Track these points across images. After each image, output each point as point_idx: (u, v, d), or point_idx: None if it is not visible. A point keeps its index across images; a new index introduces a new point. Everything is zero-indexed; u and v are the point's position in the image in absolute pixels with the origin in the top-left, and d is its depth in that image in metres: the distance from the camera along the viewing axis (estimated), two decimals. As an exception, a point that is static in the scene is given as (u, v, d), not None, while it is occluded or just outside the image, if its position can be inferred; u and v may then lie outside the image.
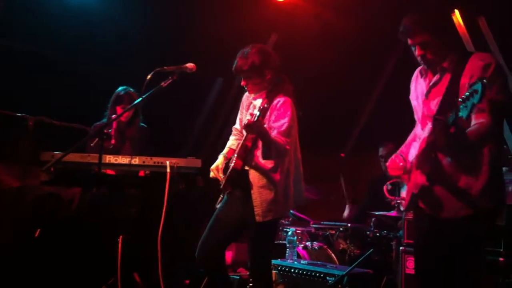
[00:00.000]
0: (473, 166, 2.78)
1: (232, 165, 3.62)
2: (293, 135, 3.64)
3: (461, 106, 2.46)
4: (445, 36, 2.87)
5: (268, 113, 3.59)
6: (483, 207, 2.78)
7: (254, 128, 3.40)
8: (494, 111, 2.70)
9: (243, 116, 3.86)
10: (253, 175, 3.60)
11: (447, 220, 2.83)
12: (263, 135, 3.44)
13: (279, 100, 3.60)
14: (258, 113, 3.39)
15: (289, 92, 3.72)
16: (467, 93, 2.43)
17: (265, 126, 3.53)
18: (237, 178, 3.63)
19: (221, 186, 3.76)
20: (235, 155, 3.64)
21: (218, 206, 3.80)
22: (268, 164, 3.59)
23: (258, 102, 3.70)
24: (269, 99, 3.63)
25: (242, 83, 3.72)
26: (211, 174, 3.81)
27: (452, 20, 3.61)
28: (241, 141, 3.66)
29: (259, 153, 3.60)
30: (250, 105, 3.84)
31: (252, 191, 3.58)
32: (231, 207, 3.72)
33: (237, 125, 4.01)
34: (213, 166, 3.81)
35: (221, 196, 3.82)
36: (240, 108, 3.96)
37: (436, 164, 2.80)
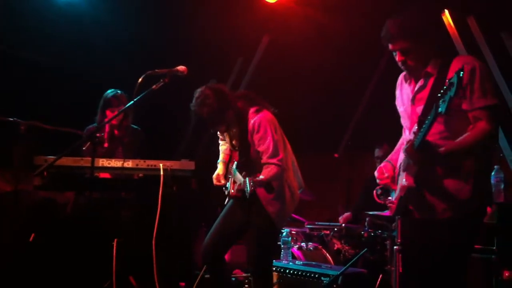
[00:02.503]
0: (461, 168, 2.78)
1: (230, 191, 3.86)
2: (279, 140, 3.71)
3: (440, 102, 2.47)
4: (426, 42, 2.85)
5: (249, 137, 3.70)
6: (470, 208, 2.79)
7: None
8: (491, 117, 2.72)
9: (224, 136, 4.02)
10: (261, 191, 3.67)
11: (435, 221, 2.84)
12: (260, 187, 3.54)
13: (254, 123, 3.68)
14: (248, 190, 3.43)
15: (254, 101, 3.79)
16: (445, 87, 2.45)
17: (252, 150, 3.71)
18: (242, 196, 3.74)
19: (227, 194, 3.97)
20: (232, 182, 3.83)
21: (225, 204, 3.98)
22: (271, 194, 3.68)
23: (235, 131, 3.85)
24: (242, 126, 3.73)
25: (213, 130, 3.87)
26: (214, 182, 4.00)
27: (436, 23, 3.60)
28: (235, 173, 3.81)
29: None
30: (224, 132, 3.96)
31: (264, 205, 3.70)
32: (237, 210, 3.87)
33: (219, 133, 4.11)
34: (214, 175, 4.00)
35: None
36: None
37: (423, 167, 2.81)
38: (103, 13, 5.79)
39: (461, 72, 2.40)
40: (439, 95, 2.48)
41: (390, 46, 2.89)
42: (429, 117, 2.61)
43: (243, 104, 3.78)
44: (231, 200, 3.95)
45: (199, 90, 3.73)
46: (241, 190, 3.62)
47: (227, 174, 3.99)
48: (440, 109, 2.48)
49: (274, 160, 3.63)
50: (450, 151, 2.74)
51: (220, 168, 4.04)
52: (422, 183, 2.82)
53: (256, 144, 3.67)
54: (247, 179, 3.44)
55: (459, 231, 2.80)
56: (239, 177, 3.70)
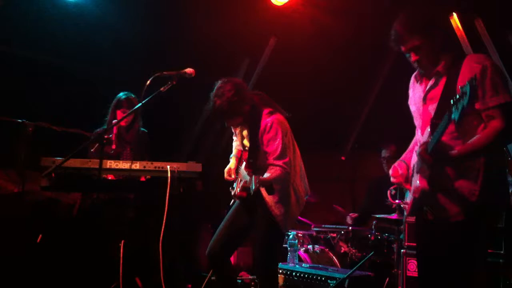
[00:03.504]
0: (473, 169, 2.77)
1: (236, 191, 3.88)
2: (288, 144, 3.73)
3: (453, 109, 2.47)
4: (436, 37, 2.86)
5: (259, 137, 3.72)
6: (483, 211, 2.77)
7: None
8: (505, 114, 2.70)
9: (236, 134, 4.04)
10: (266, 193, 3.70)
11: (449, 223, 2.83)
12: (263, 186, 3.60)
13: (266, 123, 3.69)
14: (253, 188, 3.52)
15: (269, 103, 3.81)
16: (458, 96, 2.44)
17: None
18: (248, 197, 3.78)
19: (233, 194, 3.98)
20: (239, 183, 3.82)
21: (231, 205, 4.00)
22: (275, 196, 3.70)
23: (246, 134, 3.87)
24: (254, 125, 3.74)
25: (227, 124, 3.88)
26: (225, 176, 4.01)
27: (443, 20, 3.60)
28: (243, 173, 3.83)
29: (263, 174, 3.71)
30: (237, 128, 3.98)
31: (269, 206, 3.69)
32: (243, 212, 3.88)
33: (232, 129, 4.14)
34: (226, 169, 4.02)
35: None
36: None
37: (437, 168, 2.81)
38: (111, 15, 5.81)
39: (474, 81, 2.39)
40: (452, 101, 2.47)
41: (402, 48, 2.89)
42: (442, 122, 2.61)
43: (259, 101, 3.81)
44: (236, 202, 3.95)
45: (219, 81, 3.74)
46: (246, 187, 3.64)
47: (237, 172, 4.00)
48: (453, 116, 2.47)
49: (280, 162, 3.64)
50: (464, 153, 2.73)
51: (232, 163, 4.06)
52: (435, 185, 2.82)
53: (265, 145, 3.68)
54: (253, 177, 3.47)
55: (472, 233, 2.78)
56: (245, 176, 3.71)
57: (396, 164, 3.13)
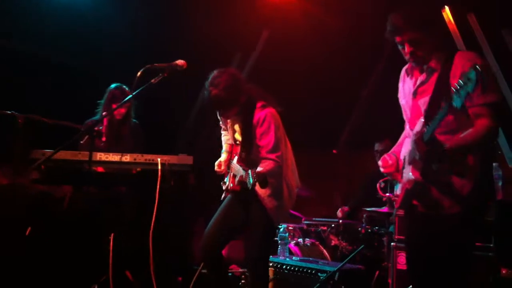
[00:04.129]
0: (464, 164, 2.79)
1: (229, 185, 3.84)
2: (280, 138, 3.72)
3: (454, 96, 2.46)
4: (433, 32, 2.87)
5: (252, 130, 3.70)
6: (473, 204, 2.80)
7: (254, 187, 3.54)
8: (493, 113, 2.73)
9: (226, 126, 4.01)
10: (259, 187, 3.68)
11: (439, 217, 2.85)
12: (258, 180, 3.55)
13: (259, 117, 3.68)
14: (251, 181, 3.44)
15: (262, 96, 3.79)
16: (461, 82, 2.43)
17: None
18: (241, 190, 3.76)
19: (225, 188, 3.95)
20: (231, 176, 3.81)
21: (222, 199, 3.97)
22: (268, 189, 3.69)
23: (238, 128, 3.85)
24: (247, 118, 3.71)
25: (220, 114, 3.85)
26: (216, 169, 3.97)
27: (439, 16, 3.62)
28: (235, 166, 3.79)
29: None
30: (228, 122, 3.95)
31: (262, 201, 3.69)
32: (235, 206, 3.87)
33: (221, 124, 4.12)
34: (216, 162, 3.98)
35: (225, 193, 4.00)
36: (220, 117, 4.05)
37: (429, 161, 2.81)
38: (103, 8, 5.77)
39: (478, 68, 2.39)
40: (453, 89, 2.47)
41: (397, 39, 2.89)
42: (440, 111, 2.61)
43: (255, 94, 3.79)
44: (228, 196, 3.94)
45: (215, 71, 3.70)
46: (242, 182, 3.61)
47: (228, 166, 3.98)
48: (454, 104, 2.47)
49: (272, 156, 3.63)
50: (454, 147, 2.74)
51: (223, 156, 4.03)
52: (428, 178, 2.83)
53: (258, 138, 3.67)
54: (249, 171, 3.44)
55: (462, 227, 2.80)
56: (240, 170, 3.69)
57: (386, 155, 3.13)
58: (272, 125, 3.66)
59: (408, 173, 2.89)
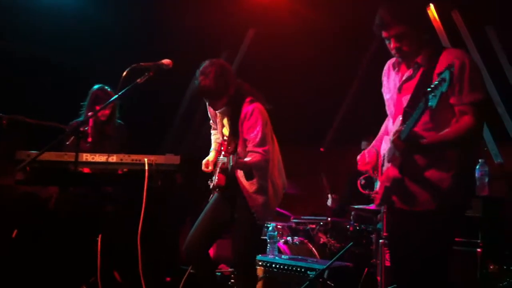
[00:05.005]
0: (444, 160, 2.80)
1: (215, 181, 3.78)
2: (267, 134, 3.71)
3: (430, 96, 2.48)
4: (420, 27, 2.88)
5: (239, 124, 3.70)
6: (452, 200, 2.81)
7: (237, 169, 3.58)
8: (477, 112, 2.74)
9: (215, 120, 3.99)
10: (245, 183, 3.71)
11: (417, 213, 2.85)
12: (243, 167, 3.60)
13: (247, 111, 3.67)
14: (231, 164, 3.49)
15: (251, 92, 3.79)
16: (436, 82, 2.45)
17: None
18: (226, 187, 3.74)
19: (211, 187, 3.93)
20: (217, 171, 3.77)
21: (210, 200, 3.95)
22: (253, 185, 3.69)
23: (226, 122, 3.84)
24: (235, 112, 3.71)
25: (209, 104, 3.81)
26: (203, 168, 3.95)
27: (426, 12, 3.64)
28: (222, 159, 3.74)
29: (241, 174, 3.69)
30: (217, 116, 3.93)
31: (247, 198, 3.70)
32: (221, 205, 3.86)
33: (212, 122, 4.11)
34: (204, 161, 3.96)
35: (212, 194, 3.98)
36: (208, 110, 4.02)
37: (408, 157, 2.82)
38: (86, 5, 5.72)
39: (452, 68, 2.42)
40: (429, 89, 2.48)
41: (384, 34, 2.88)
42: (417, 109, 2.62)
43: (246, 88, 3.80)
44: (215, 195, 3.93)
45: (205, 62, 3.69)
46: (224, 169, 3.61)
47: (215, 164, 3.95)
48: (430, 103, 2.48)
49: (259, 149, 3.63)
50: (432, 143, 2.76)
51: (211, 155, 4.03)
52: (407, 174, 2.84)
53: (245, 132, 3.66)
54: (230, 156, 3.47)
55: (440, 222, 2.81)
56: (223, 158, 3.68)
57: (366, 151, 3.14)
58: (260, 120, 3.66)
59: (387, 170, 2.89)
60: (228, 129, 3.81)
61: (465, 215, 3.01)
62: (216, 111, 3.89)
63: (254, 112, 3.66)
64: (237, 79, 3.82)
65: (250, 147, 3.65)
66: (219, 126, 3.94)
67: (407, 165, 2.83)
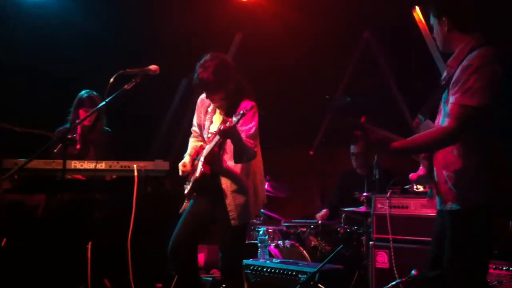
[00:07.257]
0: (458, 161, 2.67)
1: (199, 170, 3.66)
2: (258, 135, 3.70)
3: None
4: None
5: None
6: (470, 202, 2.66)
7: (232, 134, 3.43)
8: (461, 116, 2.59)
9: (203, 121, 3.90)
10: (225, 180, 3.67)
11: (443, 211, 2.76)
12: (238, 140, 3.48)
13: (246, 105, 3.63)
14: (235, 120, 3.35)
15: (252, 94, 3.77)
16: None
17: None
18: (206, 183, 3.67)
19: (186, 192, 3.82)
20: (202, 160, 3.67)
21: (181, 212, 3.84)
22: (238, 168, 3.65)
23: (217, 119, 3.78)
24: (232, 106, 3.66)
25: (206, 96, 3.75)
26: (180, 169, 3.83)
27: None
28: (208, 146, 3.69)
29: (227, 157, 3.62)
30: (209, 110, 3.87)
31: (225, 196, 3.65)
32: (199, 207, 3.79)
33: (195, 128, 4.04)
34: (180, 164, 3.86)
35: (186, 201, 3.87)
36: (197, 112, 3.98)
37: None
38: (72, 12, 5.70)
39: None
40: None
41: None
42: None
43: (244, 84, 3.77)
44: (191, 201, 3.86)
45: (208, 54, 3.66)
46: (208, 158, 3.60)
47: (193, 167, 3.88)
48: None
49: (251, 141, 3.58)
50: (400, 148, 2.69)
51: (187, 159, 3.89)
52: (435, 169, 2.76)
53: (240, 123, 3.55)
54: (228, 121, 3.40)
55: (466, 223, 2.66)
56: (208, 148, 3.65)
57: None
58: (256, 117, 3.65)
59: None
60: (218, 124, 3.72)
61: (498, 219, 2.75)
62: (213, 105, 3.84)
63: (253, 108, 3.64)
64: (238, 74, 3.77)
65: (243, 136, 3.57)
66: (207, 123, 3.87)
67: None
